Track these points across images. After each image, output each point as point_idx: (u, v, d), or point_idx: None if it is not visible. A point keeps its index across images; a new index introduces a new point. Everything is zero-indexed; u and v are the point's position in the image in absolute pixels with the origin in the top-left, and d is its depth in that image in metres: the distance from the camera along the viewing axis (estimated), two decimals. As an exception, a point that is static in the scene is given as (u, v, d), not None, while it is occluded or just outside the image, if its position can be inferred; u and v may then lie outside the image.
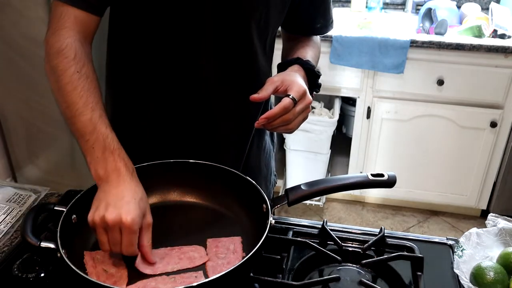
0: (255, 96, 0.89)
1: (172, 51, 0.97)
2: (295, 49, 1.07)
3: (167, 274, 0.79)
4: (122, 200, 0.76)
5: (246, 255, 0.75)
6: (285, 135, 2.53)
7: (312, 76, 0.99)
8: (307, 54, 1.05)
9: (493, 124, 2.30)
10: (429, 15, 2.41)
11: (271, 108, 1.01)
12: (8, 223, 1.00)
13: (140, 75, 1.02)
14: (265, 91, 0.89)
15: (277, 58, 1.12)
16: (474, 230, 0.92)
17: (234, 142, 1.10)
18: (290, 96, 0.88)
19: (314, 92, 1.01)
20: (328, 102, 2.67)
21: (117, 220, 0.73)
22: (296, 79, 0.92)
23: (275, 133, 1.27)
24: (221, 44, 0.96)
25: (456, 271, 0.85)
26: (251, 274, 0.81)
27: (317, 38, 1.15)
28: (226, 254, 0.83)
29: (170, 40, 0.95)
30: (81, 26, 0.88)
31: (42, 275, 0.83)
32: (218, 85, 1.01)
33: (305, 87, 0.91)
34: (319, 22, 1.11)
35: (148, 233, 0.79)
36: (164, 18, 0.93)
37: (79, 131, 0.82)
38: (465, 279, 0.83)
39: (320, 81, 1.02)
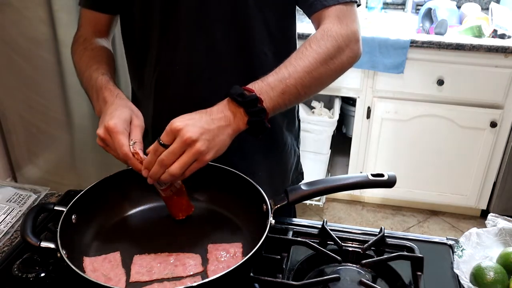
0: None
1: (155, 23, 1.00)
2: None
3: (168, 280, 0.79)
4: (106, 116, 0.87)
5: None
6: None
7: (247, 105, 0.83)
8: (281, 67, 0.89)
9: (493, 124, 2.30)
10: (429, 15, 2.41)
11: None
12: (8, 223, 1.00)
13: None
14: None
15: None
16: (474, 230, 0.92)
17: None
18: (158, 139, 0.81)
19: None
20: (328, 102, 2.67)
21: (103, 129, 0.84)
22: (177, 119, 0.81)
23: (296, 128, 1.21)
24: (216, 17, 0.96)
25: (456, 271, 0.85)
26: (251, 274, 0.81)
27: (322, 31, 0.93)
28: (227, 258, 0.83)
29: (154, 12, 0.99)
30: (92, 23, 1.08)
31: (42, 275, 0.83)
32: (208, 66, 1.00)
33: (178, 124, 0.79)
34: None
35: (135, 131, 0.87)
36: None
37: (85, 87, 1.00)
38: (465, 279, 0.83)
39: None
